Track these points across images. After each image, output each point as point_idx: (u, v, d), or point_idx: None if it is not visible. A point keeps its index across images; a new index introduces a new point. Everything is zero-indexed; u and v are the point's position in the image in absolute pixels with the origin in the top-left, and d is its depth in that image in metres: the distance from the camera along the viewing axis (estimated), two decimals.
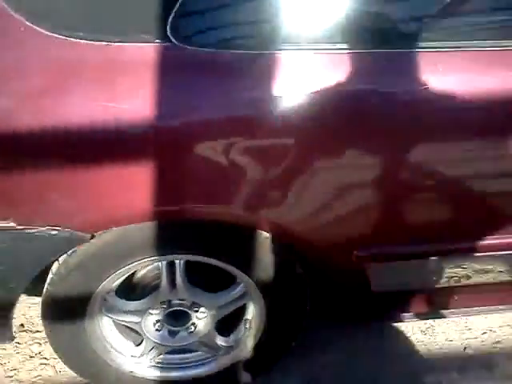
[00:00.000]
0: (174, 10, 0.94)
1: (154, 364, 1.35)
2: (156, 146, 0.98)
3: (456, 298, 1.34)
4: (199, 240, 1.13)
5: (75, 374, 1.36)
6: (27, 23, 0.93)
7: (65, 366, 1.36)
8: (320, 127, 0.99)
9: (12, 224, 1.01)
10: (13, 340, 1.29)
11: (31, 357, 1.51)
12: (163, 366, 1.35)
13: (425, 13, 1.03)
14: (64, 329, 1.23)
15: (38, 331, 1.54)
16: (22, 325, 1.57)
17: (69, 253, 1.10)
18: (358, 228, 1.13)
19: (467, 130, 1.05)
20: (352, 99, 0.99)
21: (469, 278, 1.31)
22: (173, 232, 1.11)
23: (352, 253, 1.14)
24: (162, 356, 1.35)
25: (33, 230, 1.02)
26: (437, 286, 1.27)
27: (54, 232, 1.03)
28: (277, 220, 1.09)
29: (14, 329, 1.28)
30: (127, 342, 1.33)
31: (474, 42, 1.02)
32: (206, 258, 1.16)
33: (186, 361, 1.36)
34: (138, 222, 1.06)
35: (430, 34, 1.02)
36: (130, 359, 1.33)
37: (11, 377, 1.46)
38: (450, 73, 1.01)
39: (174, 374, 1.36)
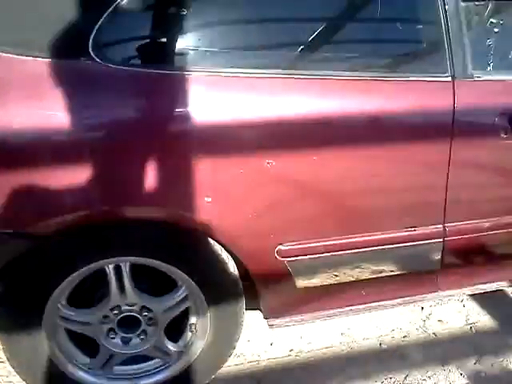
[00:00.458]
0: (93, 33, 1.10)
1: (111, 376, 1.41)
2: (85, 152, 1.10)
3: (363, 292, 1.58)
4: (142, 242, 1.25)
5: None
6: None
7: None
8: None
9: None
10: None
11: None
12: (120, 378, 1.42)
13: None
14: (19, 341, 1.27)
15: None
16: None
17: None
18: (278, 227, 1.31)
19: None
20: None
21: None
22: (116, 233, 1.22)
23: (275, 249, 1.33)
24: (118, 368, 1.41)
25: None
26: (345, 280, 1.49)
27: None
28: (209, 222, 1.22)
29: None
30: (83, 356, 1.39)
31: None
32: (148, 260, 1.27)
33: (142, 370, 1.44)
34: (81, 224, 1.16)
35: None
36: (88, 372, 1.38)
37: None
38: None
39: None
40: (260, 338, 1.72)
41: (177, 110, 1.16)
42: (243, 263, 1.34)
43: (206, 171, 1.19)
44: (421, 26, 1.37)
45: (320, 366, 1.65)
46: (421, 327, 1.79)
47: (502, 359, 1.65)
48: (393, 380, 1.59)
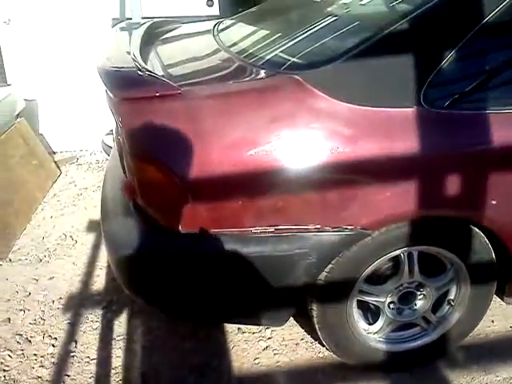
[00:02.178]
0: (426, 83, 1.43)
1: (381, 340, 1.73)
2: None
3: None
4: (439, 234, 1.56)
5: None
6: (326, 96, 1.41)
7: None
8: None
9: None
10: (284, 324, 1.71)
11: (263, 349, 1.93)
12: (389, 341, 1.74)
13: None
14: (332, 308, 1.62)
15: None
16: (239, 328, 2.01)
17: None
18: None
19: None
20: None
21: None
22: (423, 228, 1.52)
23: None
24: (386, 334, 1.73)
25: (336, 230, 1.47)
26: None
27: (348, 230, 1.47)
28: (491, 218, 1.50)
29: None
30: (364, 322, 1.72)
31: None
32: (434, 248, 1.58)
33: (404, 336, 1.75)
34: (401, 222, 1.50)
35: None
36: (367, 335, 1.71)
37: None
38: None
39: (397, 347, 1.74)
40: None
41: (483, 139, 1.45)
42: (508, 250, 1.59)
43: (496, 183, 1.47)
44: None
45: None
46: None
47: None
48: None
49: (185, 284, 1.53)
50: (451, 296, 1.71)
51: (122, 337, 1.98)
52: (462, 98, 1.46)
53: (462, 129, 1.47)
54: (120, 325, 2.04)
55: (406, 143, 1.42)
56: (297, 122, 1.41)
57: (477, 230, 1.56)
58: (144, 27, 2.19)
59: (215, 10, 3.67)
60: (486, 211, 1.50)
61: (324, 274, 1.56)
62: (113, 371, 1.85)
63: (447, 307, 1.72)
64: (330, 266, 1.54)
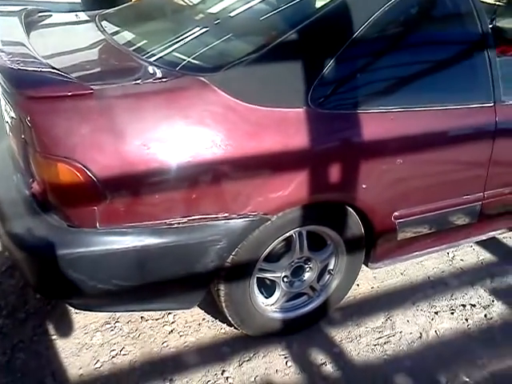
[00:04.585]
0: (312, 87, 1.68)
1: (277, 310, 1.98)
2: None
3: (429, 241, 2.24)
4: (323, 215, 1.83)
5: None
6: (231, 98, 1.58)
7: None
8: None
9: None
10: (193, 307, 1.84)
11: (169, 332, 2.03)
12: (282, 310, 1.99)
13: None
14: (238, 286, 1.80)
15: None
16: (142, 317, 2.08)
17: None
18: (397, 201, 1.93)
19: None
20: None
21: None
22: (310, 211, 1.77)
23: (392, 214, 1.97)
24: (281, 304, 1.97)
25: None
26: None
27: (252, 216, 1.66)
28: (362, 199, 1.81)
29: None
30: (262, 296, 1.94)
31: None
32: (319, 227, 1.86)
33: (295, 305, 2.01)
34: (294, 206, 1.73)
35: None
36: (265, 307, 1.94)
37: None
38: None
39: (289, 314, 2.00)
40: None
41: (356, 134, 1.74)
42: (373, 225, 1.94)
43: (365, 171, 1.78)
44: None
45: (394, 294, 2.32)
46: (451, 265, 2.53)
47: (505, 278, 2.46)
48: (444, 298, 2.31)
49: (104, 278, 1.56)
50: (331, 266, 2.01)
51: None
52: (337, 99, 1.73)
53: (336, 126, 1.74)
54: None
55: (297, 139, 1.65)
56: (205, 120, 1.54)
57: (351, 210, 1.87)
58: (20, 16, 2.07)
59: None
60: (358, 194, 1.81)
61: (231, 256, 1.72)
62: None
63: (328, 276, 2.03)
64: (237, 249, 1.71)
